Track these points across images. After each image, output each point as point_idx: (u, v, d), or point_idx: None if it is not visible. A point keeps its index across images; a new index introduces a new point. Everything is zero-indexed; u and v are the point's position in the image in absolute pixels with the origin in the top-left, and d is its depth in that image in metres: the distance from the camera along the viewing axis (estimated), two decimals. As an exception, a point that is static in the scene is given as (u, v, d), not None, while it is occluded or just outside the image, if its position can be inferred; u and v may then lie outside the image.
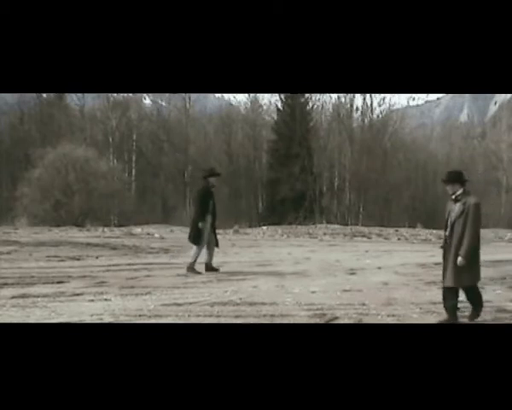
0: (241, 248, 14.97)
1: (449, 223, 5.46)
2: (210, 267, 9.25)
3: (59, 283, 8.11)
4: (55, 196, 27.51)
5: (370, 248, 14.96)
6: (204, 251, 9.21)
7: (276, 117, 37.51)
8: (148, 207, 36.25)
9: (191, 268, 9.05)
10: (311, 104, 37.40)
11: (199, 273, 8.96)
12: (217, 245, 9.44)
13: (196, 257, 9.12)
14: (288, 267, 10.32)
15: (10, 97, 36.26)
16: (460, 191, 5.45)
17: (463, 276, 5.41)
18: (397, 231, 25.01)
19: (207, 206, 9.22)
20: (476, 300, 5.69)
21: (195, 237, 9.18)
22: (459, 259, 5.30)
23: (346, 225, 30.94)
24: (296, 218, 31.25)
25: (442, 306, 6.54)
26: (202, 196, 9.35)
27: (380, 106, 38.93)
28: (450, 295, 5.54)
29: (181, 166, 38.16)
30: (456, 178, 5.56)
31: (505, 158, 40.26)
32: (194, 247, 9.16)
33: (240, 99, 50.77)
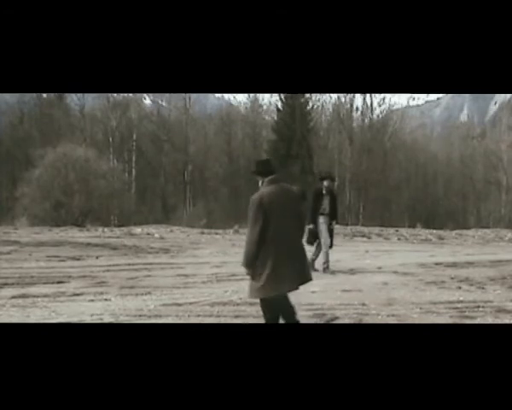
0: (241, 248, 14.95)
1: None
2: (312, 266, 9.66)
3: (59, 283, 8.12)
4: (55, 196, 27.47)
5: (370, 248, 14.96)
6: (314, 249, 9.70)
7: (276, 117, 37.49)
8: (148, 207, 36.26)
9: (325, 269, 9.47)
10: (311, 104, 37.36)
11: (315, 270, 9.32)
12: (330, 246, 9.76)
13: (317, 254, 9.63)
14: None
15: (10, 97, 36.26)
16: (260, 185, 4.53)
17: (250, 286, 4.47)
18: (397, 231, 25.00)
19: (318, 208, 9.65)
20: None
21: (307, 238, 9.63)
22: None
23: (346, 225, 30.92)
24: (296, 218, 31.18)
25: (442, 306, 6.56)
26: (313, 198, 9.85)
27: (380, 106, 39.00)
28: (266, 309, 4.57)
29: (181, 166, 38.18)
30: (258, 169, 4.56)
31: (505, 158, 40.23)
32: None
33: (240, 99, 50.91)
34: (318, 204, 9.68)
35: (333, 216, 9.81)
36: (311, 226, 9.60)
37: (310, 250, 10.04)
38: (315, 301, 6.67)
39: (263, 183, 4.46)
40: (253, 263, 4.33)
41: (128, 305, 6.43)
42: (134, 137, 37.99)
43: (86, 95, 36.86)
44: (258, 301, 6.68)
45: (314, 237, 9.65)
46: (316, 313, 6.01)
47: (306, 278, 4.55)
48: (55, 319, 5.71)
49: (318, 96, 37.13)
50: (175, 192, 39.18)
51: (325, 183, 9.82)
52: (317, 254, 9.70)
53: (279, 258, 4.31)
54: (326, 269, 9.48)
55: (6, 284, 7.86)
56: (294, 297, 6.92)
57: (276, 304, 4.50)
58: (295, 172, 34.30)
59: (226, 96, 45.21)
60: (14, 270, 9.42)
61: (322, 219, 9.64)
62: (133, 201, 34.67)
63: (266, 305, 4.54)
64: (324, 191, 9.75)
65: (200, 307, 6.32)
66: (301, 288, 7.67)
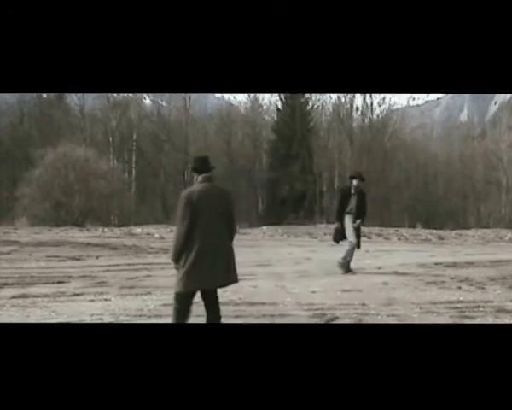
0: (241, 248, 14.97)
1: None
2: (348, 268, 9.51)
3: (59, 283, 8.12)
4: (55, 196, 27.49)
5: (370, 249, 14.95)
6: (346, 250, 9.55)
7: (276, 117, 37.49)
8: (148, 207, 36.25)
9: (342, 265, 9.36)
10: (311, 104, 37.38)
11: (351, 271, 9.27)
12: (358, 246, 9.59)
13: (346, 255, 9.40)
14: (288, 267, 10.32)
15: (10, 97, 36.25)
16: (194, 181, 4.64)
17: (176, 279, 4.60)
18: (397, 231, 24.99)
19: (344, 207, 9.51)
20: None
21: (333, 236, 9.76)
22: None
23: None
24: (296, 218, 31.23)
25: (442, 306, 6.56)
26: (340, 197, 9.86)
27: (380, 106, 38.88)
28: (176, 301, 4.71)
29: (181, 166, 38.11)
30: (195, 166, 4.61)
31: (505, 158, 40.17)
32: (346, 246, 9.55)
33: (240, 99, 50.98)
34: (345, 203, 9.52)
35: (360, 215, 9.56)
36: (336, 225, 9.60)
37: (336, 250, 10.04)
38: (315, 301, 6.67)
39: (197, 179, 4.54)
40: (178, 257, 4.42)
41: (128, 305, 6.43)
42: (134, 137, 37.96)
43: (86, 95, 36.83)
44: (257, 300, 6.69)
45: (339, 236, 9.53)
46: (316, 313, 6.01)
47: (229, 280, 4.60)
48: (55, 319, 5.71)
49: (318, 96, 37.09)
50: (175, 192, 39.07)
51: (354, 182, 9.59)
52: (350, 255, 9.47)
53: (200, 255, 4.37)
54: (342, 266, 9.31)
55: (6, 284, 7.86)
56: (294, 297, 6.93)
57: (187, 301, 4.63)
58: (295, 172, 34.35)
59: (226, 96, 45.26)
60: (14, 270, 9.42)
61: (348, 219, 9.45)
62: (133, 201, 34.67)
63: (179, 299, 4.64)
64: (353, 191, 9.55)
65: (200, 307, 6.31)
66: (301, 288, 7.69)
